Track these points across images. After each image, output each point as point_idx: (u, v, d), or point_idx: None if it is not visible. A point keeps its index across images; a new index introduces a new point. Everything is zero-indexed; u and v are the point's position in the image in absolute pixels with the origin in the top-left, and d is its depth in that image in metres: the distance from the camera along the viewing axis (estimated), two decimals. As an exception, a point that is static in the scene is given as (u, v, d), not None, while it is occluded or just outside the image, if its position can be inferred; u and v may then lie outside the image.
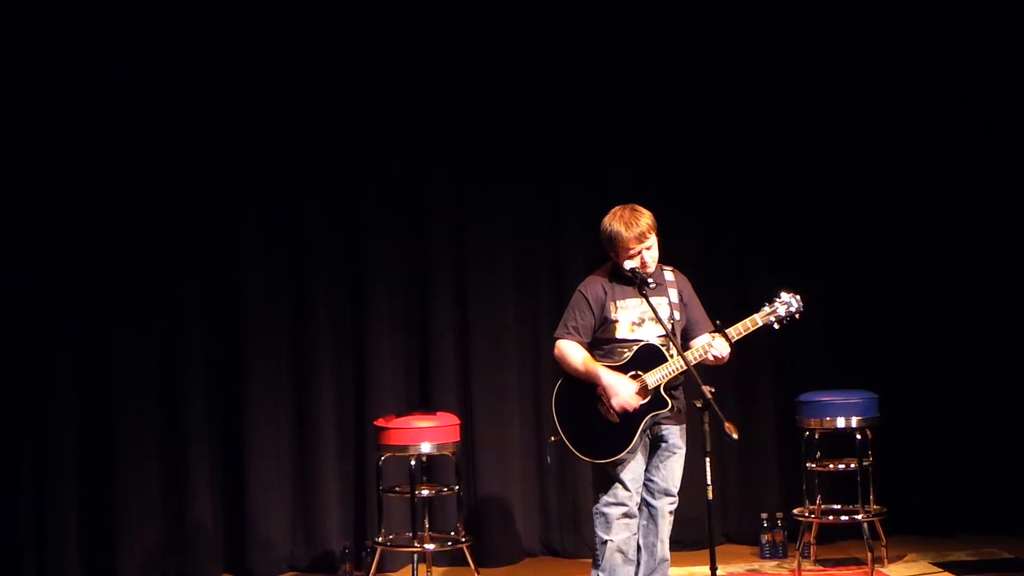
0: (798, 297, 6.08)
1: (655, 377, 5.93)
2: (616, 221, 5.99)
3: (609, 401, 5.89)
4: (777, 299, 6.11)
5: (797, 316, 6.11)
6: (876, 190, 8.18)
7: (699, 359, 5.96)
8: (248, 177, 7.70)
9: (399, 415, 7.21)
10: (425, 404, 7.62)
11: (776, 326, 6.12)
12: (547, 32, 7.97)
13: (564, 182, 8.03)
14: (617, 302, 6.05)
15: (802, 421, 7.47)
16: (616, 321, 6.02)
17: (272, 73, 7.70)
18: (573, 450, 6.01)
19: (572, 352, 6.03)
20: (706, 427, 5.57)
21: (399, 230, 7.88)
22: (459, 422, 7.28)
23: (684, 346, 6.02)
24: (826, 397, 7.43)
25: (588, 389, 5.98)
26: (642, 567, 6.10)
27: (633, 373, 5.95)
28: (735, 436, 5.54)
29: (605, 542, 6.04)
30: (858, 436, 7.33)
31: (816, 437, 7.44)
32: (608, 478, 6.02)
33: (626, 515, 6.03)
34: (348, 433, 7.76)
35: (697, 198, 8.08)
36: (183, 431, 7.54)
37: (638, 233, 5.96)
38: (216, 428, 7.62)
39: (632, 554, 6.06)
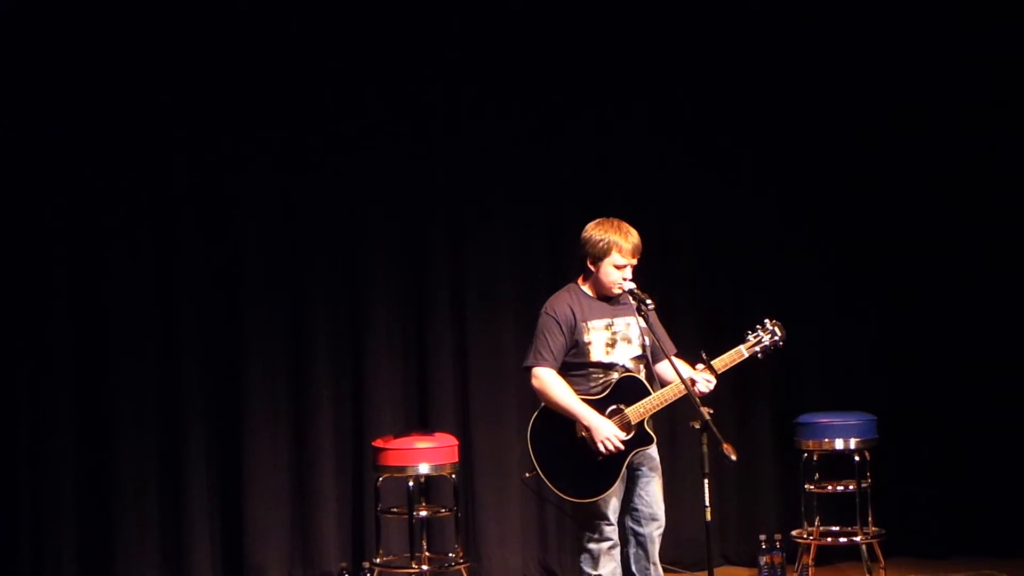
0: (780, 325, 5.99)
1: (638, 411, 5.77)
2: (612, 229, 5.78)
3: (593, 442, 5.71)
4: (760, 328, 6.00)
5: (781, 344, 6.01)
6: (875, 211, 8.19)
7: (682, 393, 5.72)
8: (245, 196, 7.69)
9: (397, 436, 7.20)
10: (423, 425, 7.62)
11: (760, 356, 6.00)
12: (549, 48, 7.97)
13: (565, 202, 8.02)
14: (588, 323, 5.83)
15: (800, 442, 7.47)
16: (589, 343, 5.81)
17: (270, 88, 7.69)
18: (554, 489, 5.79)
19: (554, 385, 5.76)
20: (704, 448, 5.52)
21: (397, 250, 7.87)
22: (457, 443, 7.27)
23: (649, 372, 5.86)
24: (824, 419, 7.42)
25: (567, 423, 5.77)
26: None
27: (615, 407, 5.79)
28: (733, 458, 5.52)
29: None
30: (856, 458, 7.33)
31: (815, 459, 7.44)
32: (591, 515, 5.83)
33: (611, 548, 5.88)
34: (346, 454, 7.74)
35: (697, 216, 8.09)
36: (181, 451, 7.51)
37: (633, 246, 5.80)
38: (214, 449, 7.59)
39: None
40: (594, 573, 5.88)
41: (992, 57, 8.04)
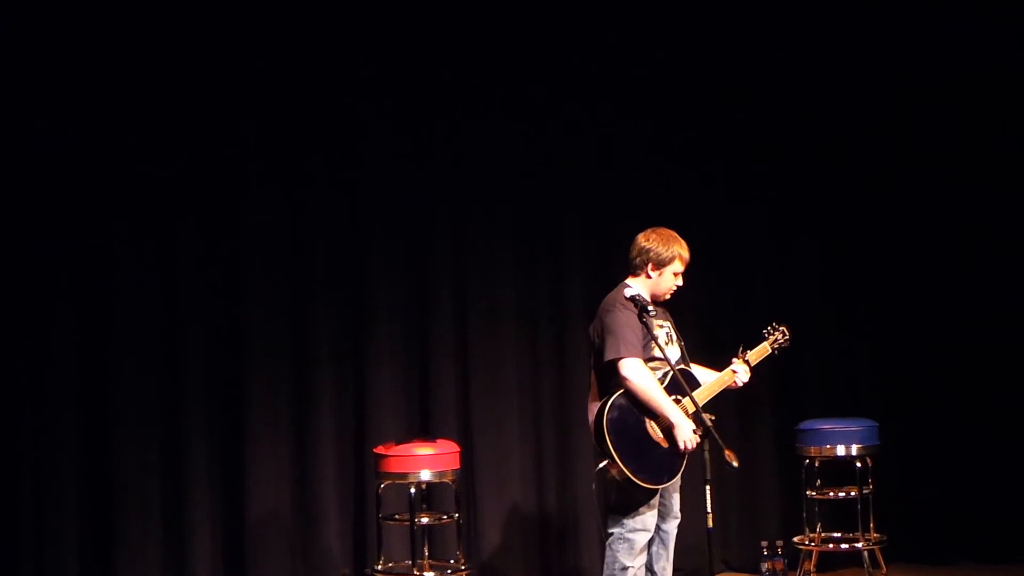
0: (786, 328, 6.44)
1: (694, 401, 5.95)
2: (674, 241, 6.17)
3: (676, 437, 5.85)
4: (773, 328, 6.44)
5: (787, 345, 6.46)
6: (875, 216, 8.20)
7: (725, 384, 6.18)
8: (249, 202, 7.69)
9: (399, 443, 7.20)
10: (425, 432, 7.62)
11: (776, 354, 6.42)
12: (552, 55, 7.99)
13: (565, 208, 8.04)
14: (655, 320, 6.11)
15: (802, 449, 7.48)
16: (656, 337, 6.04)
17: (274, 93, 7.70)
18: (631, 476, 5.90)
19: (645, 376, 5.94)
20: (706, 455, 5.64)
21: (399, 255, 7.87)
22: (459, 450, 7.27)
23: None
24: (826, 425, 7.43)
25: (638, 413, 5.95)
26: None
27: (675, 398, 5.98)
28: (735, 464, 5.59)
29: (626, 568, 6.04)
30: (858, 464, 7.33)
31: (816, 465, 7.44)
32: (637, 503, 6.00)
33: (647, 540, 6.06)
34: (348, 460, 7.73)
35: (700, 223, 8.09)
36: (183, 458, 7.51)
37: (688, 257, 6.19)
38: (216, 455, 7.58)
39: None
40: (628, 563, 6.02)
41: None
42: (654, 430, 5.97)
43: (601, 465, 6.01)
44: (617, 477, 5.96)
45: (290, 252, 7.74)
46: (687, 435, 5.89)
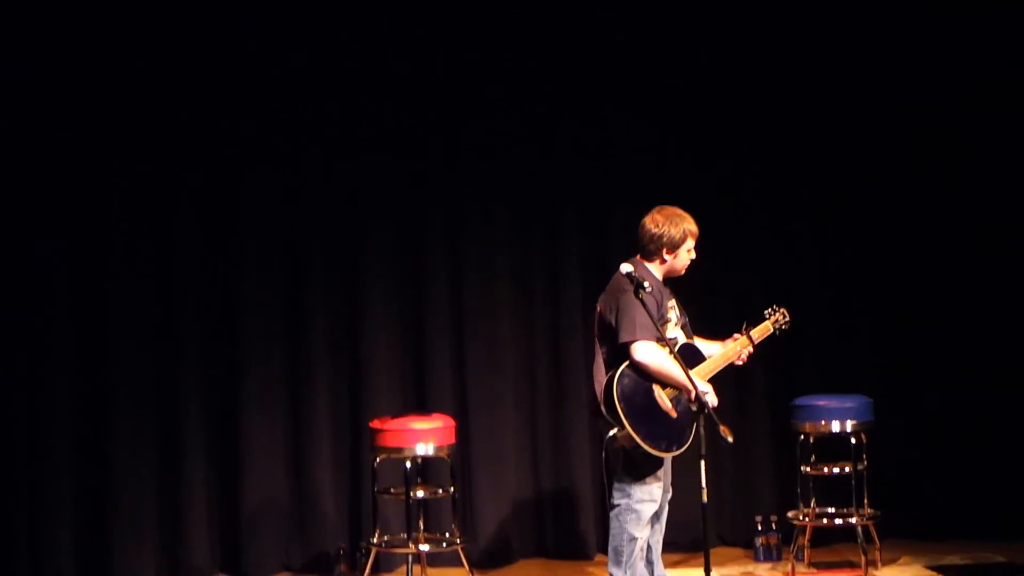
0: (784, 311, 6.58)
1: (699, 375, 6.04)
2: (683, 220, 6.21)
3: (706, 403, 5.78)
4: (774, 309, 6.57)
5: (787, 328, 6.58)
6: (869, 194, 8.20)
7: (729, 359, 6.31)
8: (247, 182, 7.69)
9: (395, 417, 7.22)
10: (421, 407, 7.63)
11: (777, 334, 6.56)
12: (547, 47, 7.97)
13: (561, 191, 8.04)
14: (668, 301, 6.19)
15: (797, 425, 7.49)
16: (669, 320, 6.13)
17: (270, 76, 7.70)
18: (640, 442, 5.95)
19: (662, 356, 5.99)
20: (701, 430, 5.65)
21: (396, 234, 7.87)
22: (455, 424, 7.29)
23: None
24: (821, 401, 7.44)
25: (647, 382, 6.01)
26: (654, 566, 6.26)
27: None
28: (730, 439, 5.61)
29: (634, 539, 6.10)
30: (852, 440, 7.35)
31: (811, 441, 7.46)
32: (644, 473, 6.08)
33: (654, 511, 6.15)
34: (344, 434, 7.75)
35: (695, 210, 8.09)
36: (179, 430, 7.53)
37: (697, 230, 6.26)
38: (212, 428, 7.61)
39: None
40: (636, 534, 6.11)
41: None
42: (663, 400, 6.03)
43: (610, 434, 6.03)
44: (626, 445, 6.00)
45: (287, 227, 7.75)
46: (714, 400, 5.95)
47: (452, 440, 7.22)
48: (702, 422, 5.67)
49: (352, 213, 7.82)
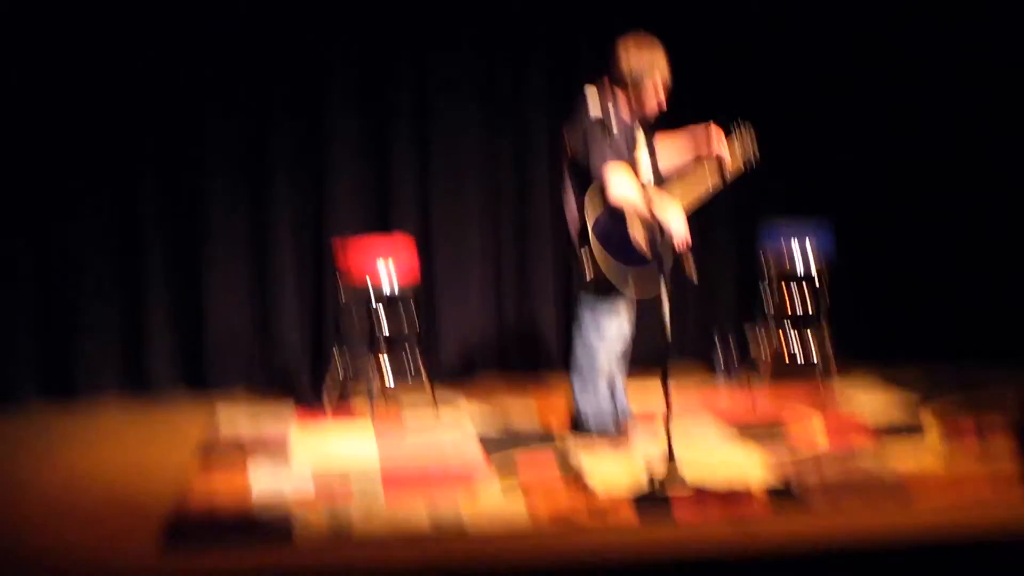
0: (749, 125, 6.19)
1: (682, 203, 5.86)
2: (659, 55, 5.83)
3: (672, 239, 5.66)
4: (740, 123, 6.20)
5: (755, 158, 6.21)
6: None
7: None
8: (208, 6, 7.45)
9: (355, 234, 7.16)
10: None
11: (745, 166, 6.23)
12: None
13: (530, 21, 7.81)
14: (637, 133, 5.94)
15: (762, 251, 7.52)
16: (640, 163, 5.90)
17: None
18: (614, 281, 5.83)
19: (630, 182, 5.72)
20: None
21: (359, 59, 7.64)
22: (417, 252, 7.22)
23: None
24: (786, 224, 7.46)
25: (621, 224, 5.80)
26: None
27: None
28: (695, 279, 5.56)
29: (596, 348, 6.06)
30: (814, 265, 7.38)
31: (774, 268, 7.49)
32: (609, 308, 6.00)
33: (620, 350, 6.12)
34: (307, 270, 7.68)
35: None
36: (140, 261, 7.49)
37: (667, 71, 5.90)
38: (173, 260, 7.53)
39: None
40: (597, 343, 6.03)
41: None
42: (638, 243, 5.82)
43: (581, 251, 5.87)
44: (596, 277, 5.88)
45: (250, 54, 7.52)
46: (682, 229, 5.69)
47: (417, 278, 7.16)
48: (670, 259, 5.62)
49: (315, 39, 7.59)
